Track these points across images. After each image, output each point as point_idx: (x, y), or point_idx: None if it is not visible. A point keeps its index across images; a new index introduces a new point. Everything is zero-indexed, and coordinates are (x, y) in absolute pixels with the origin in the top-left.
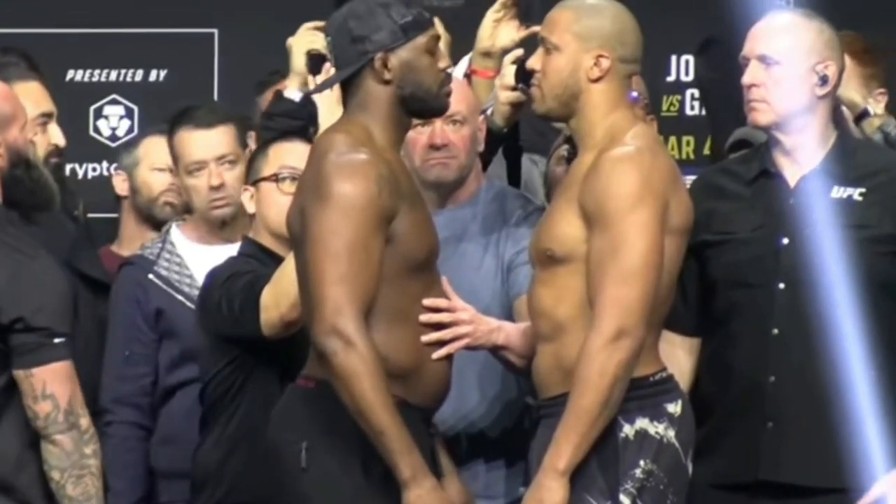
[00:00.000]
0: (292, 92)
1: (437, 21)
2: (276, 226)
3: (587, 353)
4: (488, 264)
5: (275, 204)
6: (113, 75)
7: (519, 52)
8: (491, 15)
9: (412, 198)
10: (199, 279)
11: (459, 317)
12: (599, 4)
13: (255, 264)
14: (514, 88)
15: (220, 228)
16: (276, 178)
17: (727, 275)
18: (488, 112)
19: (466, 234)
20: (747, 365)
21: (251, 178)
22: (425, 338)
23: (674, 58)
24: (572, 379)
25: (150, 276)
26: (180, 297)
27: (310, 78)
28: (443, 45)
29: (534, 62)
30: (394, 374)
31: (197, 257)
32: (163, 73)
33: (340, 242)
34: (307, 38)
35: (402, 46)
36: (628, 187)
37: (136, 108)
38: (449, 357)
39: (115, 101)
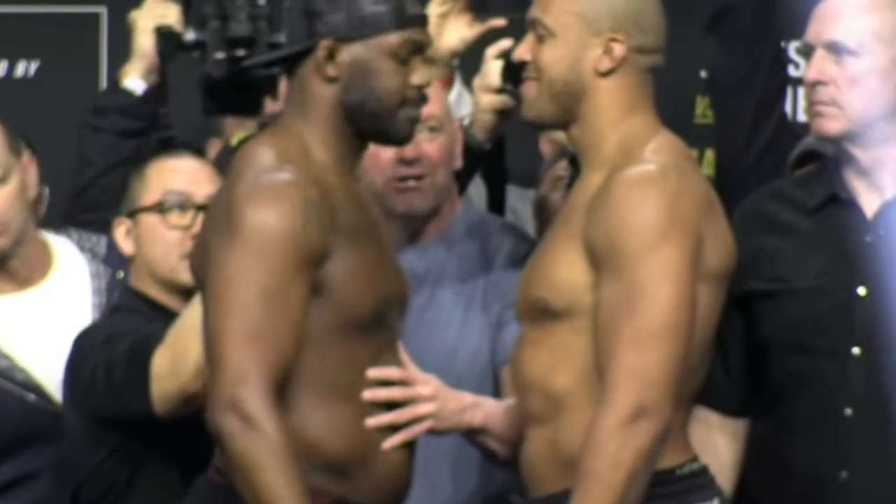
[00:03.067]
0: (133, 81)
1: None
2: (162, 270)
3: (595, 439)
4: (471, 320)
5: (159, 241)
6: None
7: (505, 43)
8: (434, 9)
9: (356, 233)
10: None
11: (418, 392)
12: None
13: (139, 321)
14: (500, 91)
15: None
16: (159, 209)
17: (783, 336)
18: (464, 122)
19: (440, 280)
20: (811, 456)
21: (126, 207)
22: (372, 421)
23: None
24: (575, 473)
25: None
26: None
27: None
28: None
29: (522, 51)
30: (329, 466)
31: None
32: (33, 67)
33: (250, 290)
34: (157, 11)
35: (361, 41)
36: (649, 219)
37: None
38: (409, 445)
39: None
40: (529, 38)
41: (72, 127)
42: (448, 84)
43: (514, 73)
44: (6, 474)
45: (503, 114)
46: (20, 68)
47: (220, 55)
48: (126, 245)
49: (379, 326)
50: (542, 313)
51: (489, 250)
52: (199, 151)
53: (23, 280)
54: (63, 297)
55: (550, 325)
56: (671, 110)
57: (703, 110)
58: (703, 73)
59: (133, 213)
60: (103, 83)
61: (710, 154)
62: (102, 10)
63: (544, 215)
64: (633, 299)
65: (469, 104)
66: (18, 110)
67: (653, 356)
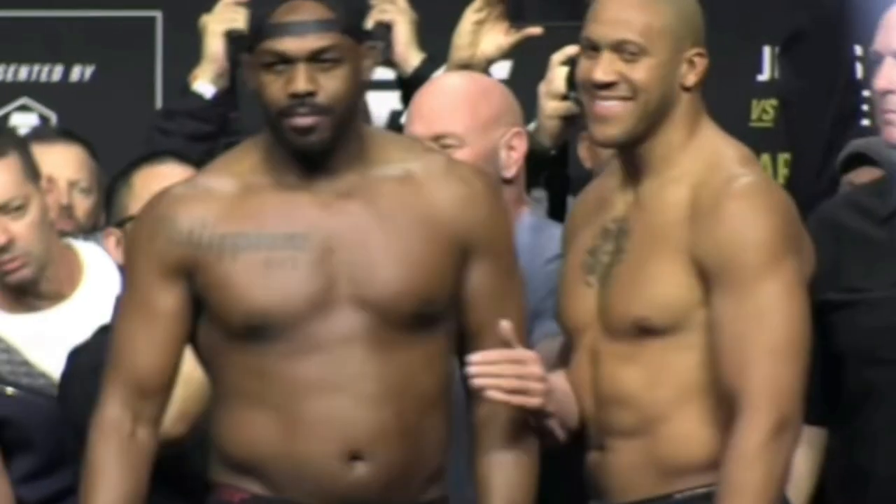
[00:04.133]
0: (203, 84)
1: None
2: None
3: (744, 455)
4: None
5: None
6: (23, 73)
7: (570, 50)
8: (470, 16)
9: (230, 245)
10: (40, 360)
11: (531, 370)
12: None
13: None
14: (565, 97)
15: (24, 296)
16: None
17: (858, 347)
18: (530, 128)
19: None
20: (889, 467)
21: (113, 217)
22: (493, 393)
23: (767, 50)
24: (721, 488)
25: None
26: (23, 394)
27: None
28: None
29: (606, 73)
30: (242, 467)
31: (19, 331)
32: (88, 71)
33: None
34: (227, 15)
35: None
36: (767, 232)
37: (53, 116)
38: (339, 438)
39: (25, 108)
40: (610, 59)
41: (127, 131)
42: None
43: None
44: (49, 488)
45: (568, 120)
46: (76, 73)
47: None
48: (117, 255)
49: (267, 335)
50: (641, 331)
51: (538, 247)
52: (185, 158)
53: (53, 296)
54: (93, 309)
55: (647, 342)
56: (728, 114)
57: (758, 114)
58: (759, 78)
59: (122, 223)
60: (159, 87)
61: (765, 158)
62: (158, 14)
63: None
64: (763, 314)
65: None
66: (74, 115)
67: (789, 369)
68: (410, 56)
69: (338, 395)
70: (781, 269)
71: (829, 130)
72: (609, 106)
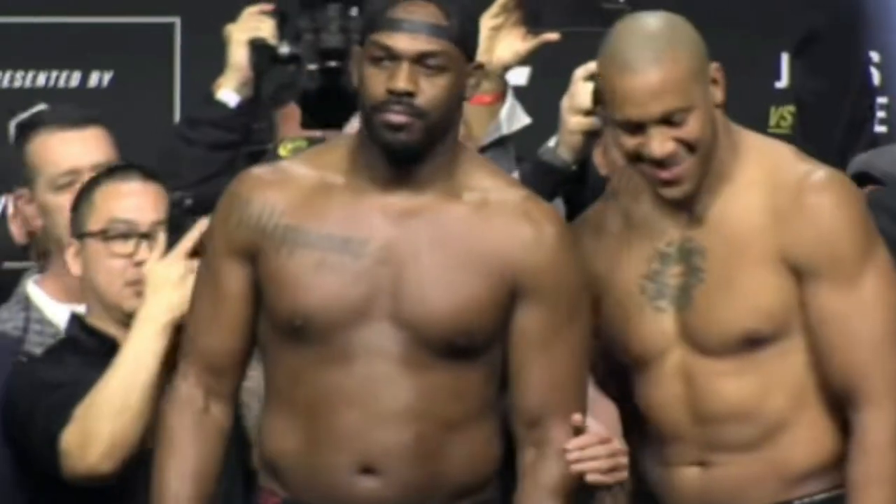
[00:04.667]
0: (227, 93)
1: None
2: (107, 296)
3: (878, 448)
4: None
5: (103, 268)
6: (41, 79)
7: (592, 65)
8: (487, 21)
9: (289, 239)
10: None
11: (616, 446)
12: (671, 19)
13: (77, 366)
14: (589, 112)
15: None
16: (103, 236)
17: None
18: (550, 144)
19: None
20: None
21: (75, 229)
22: (590, 478)
23: (785, 57)
24: (856, 484)
25: (24, 360)
26: None
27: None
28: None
29: (665, 148)
30: (273, 469)
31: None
32: (107, 77)
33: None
34: (251, 24)
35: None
36: (857, 221)
37: None
38: (353, 451)
39: None
40: (660, 132)
41: (145, 136)
42: (501, 97)
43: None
44: None
45: (591, 135)
46: (94, 78)
47: (312, 67)
48: (75, 266)
49: (308, 337)
50: (749, 344)
51: None
52: (150, 173)
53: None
54: None
55: (753, 353)
56: (747, 120)
57: (777, 120)
58: (777, 85)
59: (81, 237)
60: (177, 93)
61: None
62: (176, 20)
63: None
64: (868, 306)
65: (522, 118)
66: None
67: None
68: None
69: (358, 408)
70: (876, 257)
71: (842, 134)
72: (676, 171)
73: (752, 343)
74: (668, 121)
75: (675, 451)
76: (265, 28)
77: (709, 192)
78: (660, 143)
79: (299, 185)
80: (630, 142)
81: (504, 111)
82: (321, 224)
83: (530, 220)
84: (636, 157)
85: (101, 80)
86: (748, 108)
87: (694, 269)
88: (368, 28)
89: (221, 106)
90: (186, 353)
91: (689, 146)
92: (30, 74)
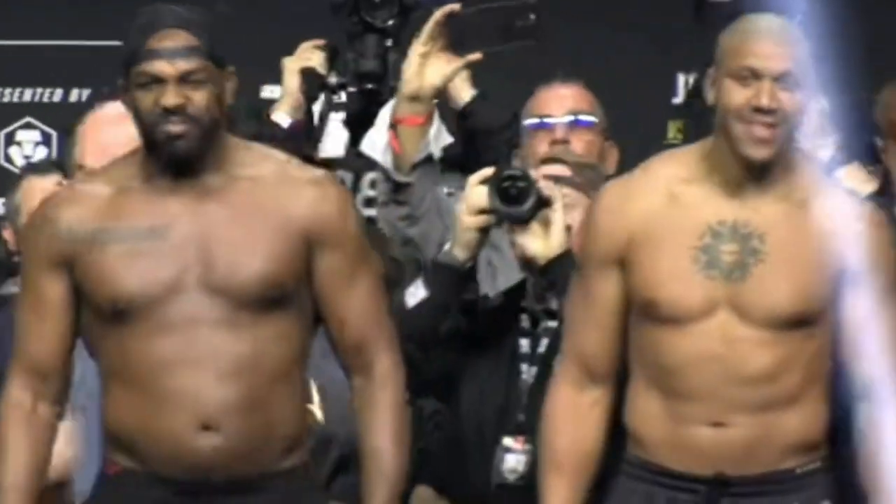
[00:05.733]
0: (280, 115)
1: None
2: None
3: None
4: None
5: None
6: (27, 95)
7: (488, 171)
8: (417, 49)
9: (99, 238)
10: None
11: None
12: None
13: None
14: (482, 212)
15: None
16: None
17: None
18: (446, 247)
19: None
20: None
21: (9, 215)
22: None
23: (681, 76)
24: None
25: None
26: None
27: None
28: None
29: (772, 97)
30: (116, 442)
31: None
32: (85, 93)
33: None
34: (304, 56)
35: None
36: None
37: (54, 134)
38: (191, 416)
39: (29, 125)
40: (774, 88)
41: None
42: (430, 119)
43: (504, 193)
44: None
45: (486, 231)
46: (74, 94)
47: (352, 89)
48: (13, 243)
49: (130, 318)
50: (794, 323)
51: None
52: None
53: None
54: None
55: (791, 331)
56: (644, 133)
57: (674, 133)
58: (675, 100)
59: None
60: None
61: None
62: None
63: None
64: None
65: (446, 137)
66: None
67: None
68: (463, 92)
69: (190, 371)
70: None
71: None
72: (773, 130)
73: (797, 323)
74: (781, 81)
75: (694, 410)
76: (315, 59)
77: (766, 187)
78: (771, 94)
79: (98, 195)
80: (740, 95)
81: (432, 131)
82: (125, 220)
83: (309, 181)
84: (737, 115)
85: (80, 96)
86: (648, 121)
87: (752, 250)
88: (131, 60)
89: (275, 126)
90: (14, 362)
91: (785, 116)
92: (17, 91)
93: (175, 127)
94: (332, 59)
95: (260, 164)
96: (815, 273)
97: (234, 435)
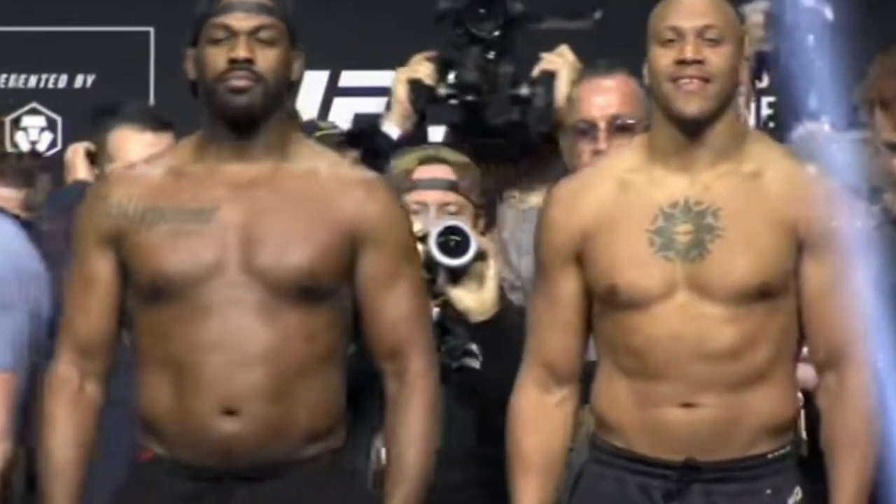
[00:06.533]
0: (390, 126)
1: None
2: None
3: (863, 397)
4: None
5: None
6: (32, 81)
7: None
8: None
9: (147, 217)
10: None
11: None
12: None
13: None
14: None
15: None
16: None
17: None
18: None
19: None
20: None
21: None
22: None
23: None
24: (841, 442)
25: None
26: None
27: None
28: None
29: (696, 49)
30: (148, 427)
31: None
32: (90, 79)
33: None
34: (413, 67)
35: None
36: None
37: (59, 119)
38: (211, 398)
39: (35, 111)
40: (697, 43)
41: None
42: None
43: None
44: None
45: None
46: (79, 80)
47: (454, 101)
48: None
49: (169, 296)
50: (760, 296)
51: None
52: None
53: None
54: None
55: (755, 305)
56: None
57: None
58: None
59: None
60: (151, 92)
61: None
62: (151, 30)
63: None
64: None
65: None
66: (77, 118)
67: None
68: None
69: (219, 355)
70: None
71: None
72: (699, 83)
73: (762, 295)
74: (704, 37)
75: (662, 391)
76: (423, 70)
77: (714, 161)
78: (695, 47)
79: (151, 176)
80: (666, 57)
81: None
82: (174, 201)
83: (358, 180)
84: (666, 76)
85: (85, 81)
86: None
87: (708, 227)
88: (204, 17)
89: (385, 136)
90: (61, 339)
91: (712, 71)
92: (23, 76)
93: (240, 81)
94: (444, 72)
95: (314, 159)
96: (773, 243)
97: (254, 422)
